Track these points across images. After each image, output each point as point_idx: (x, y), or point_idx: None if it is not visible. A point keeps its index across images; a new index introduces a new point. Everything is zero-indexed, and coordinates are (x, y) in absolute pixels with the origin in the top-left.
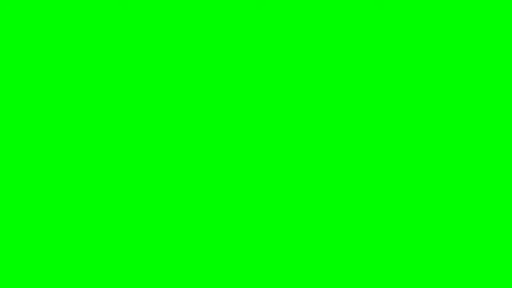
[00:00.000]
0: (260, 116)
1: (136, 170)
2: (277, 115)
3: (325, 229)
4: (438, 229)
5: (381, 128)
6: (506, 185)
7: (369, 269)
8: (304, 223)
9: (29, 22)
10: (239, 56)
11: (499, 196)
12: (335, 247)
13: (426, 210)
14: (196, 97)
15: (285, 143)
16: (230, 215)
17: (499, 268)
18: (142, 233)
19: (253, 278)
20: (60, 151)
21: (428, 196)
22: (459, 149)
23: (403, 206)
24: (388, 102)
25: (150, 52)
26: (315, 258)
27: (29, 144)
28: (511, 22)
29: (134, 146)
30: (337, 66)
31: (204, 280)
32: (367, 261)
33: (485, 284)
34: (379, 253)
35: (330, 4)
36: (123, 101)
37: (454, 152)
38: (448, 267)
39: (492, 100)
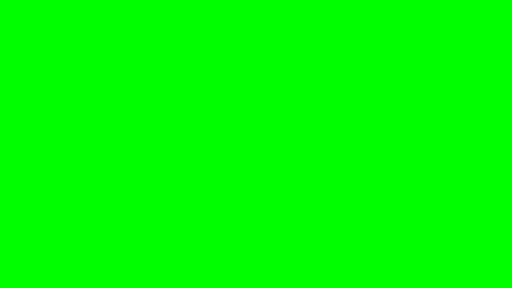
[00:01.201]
0: (260, 116)
1: (136, 170)
2: (277, 115)
3: (325, 229)
4: (438, 229)
5: (381, 128)
6: (506, 185)
7: (369, 269)
8: (304, 223)
9: (29, 22)
10: (239, 56)
11: (499, 196)
12: (335, 247)
13: (426, 210)
14: (196, 97)
15: (285, 143)
16: (230, 215)
17: (499, 268)
18: (142, 233)
19: (253, 278)
20: (60, 151)
21: (428, 196)
22: (459, 149)
23: (403, 206)
24: (388, 102)
25: (150, 52)
26: (314, 258)
27: (29, 144)
28: (511, 22)
29: (134, 146)
30: (337, 66)
31: (204, 280)
32: (367, 261)
33: (485, 284)
34: (379, 253)
35: (330, 4)
36: (123, 101)
37: (454, 152)
38: (448, 267)
39: (492, 100)
